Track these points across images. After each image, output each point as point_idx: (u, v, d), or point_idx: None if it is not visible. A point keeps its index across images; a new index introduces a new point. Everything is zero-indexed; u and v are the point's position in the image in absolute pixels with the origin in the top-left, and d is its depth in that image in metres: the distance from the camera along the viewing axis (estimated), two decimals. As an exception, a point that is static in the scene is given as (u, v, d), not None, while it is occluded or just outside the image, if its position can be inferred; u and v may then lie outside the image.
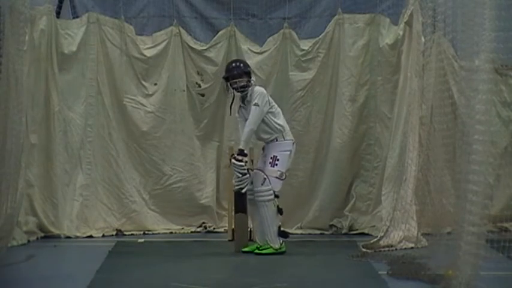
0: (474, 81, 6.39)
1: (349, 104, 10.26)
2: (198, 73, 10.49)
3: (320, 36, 10.36)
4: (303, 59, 10.39)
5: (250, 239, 9.65)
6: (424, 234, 8.71)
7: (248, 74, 8.83)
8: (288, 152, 8.75)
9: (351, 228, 10.24)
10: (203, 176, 10.53)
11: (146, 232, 10.32)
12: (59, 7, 10.48)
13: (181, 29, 10.47)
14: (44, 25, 9.94)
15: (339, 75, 10.29)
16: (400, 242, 8.94)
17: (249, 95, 8.75)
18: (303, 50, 10.36)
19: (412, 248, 8.86)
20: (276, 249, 8.68)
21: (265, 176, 8.63)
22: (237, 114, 8.93)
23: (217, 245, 9.59)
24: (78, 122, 10.22)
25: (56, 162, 10.02)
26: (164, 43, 10.44)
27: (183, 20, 10.57)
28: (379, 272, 7.72)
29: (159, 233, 10.34)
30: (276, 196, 8.71)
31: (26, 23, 9.34)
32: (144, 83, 10.44)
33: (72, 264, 8.70)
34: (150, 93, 10.44)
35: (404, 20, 9.50)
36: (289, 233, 9.03)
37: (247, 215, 8.94)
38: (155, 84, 10.46)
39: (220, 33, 10.49)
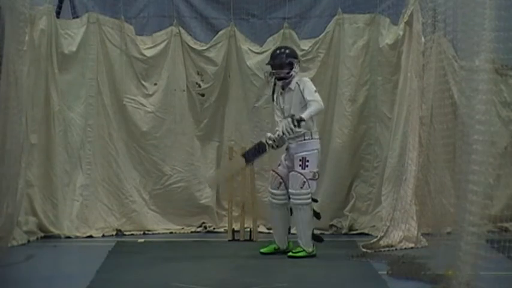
0: (474, 81, 6.39)
1: (349, 104, 10.26)
2: (198, 73, 10.49)
3: (320, 36, 10.36)
4: (303, 59, 10.36)
5: (251, 239, 9.69)
6: (424, 234, 8.71)
7: (290, 64, 8.63)
8: (316, 151, 8.62)
9: (351, 228, 10.24)
10: (203, 176, 10.52)
11: (146, 232, 10.32)
12: (59, 7, 10.47)
13: (181, 29, 10.47)
14: (44, 25, 9.93)
15: (339, 75, 10.29)
16: (400, 242, 8.95)
17: (293, 85, 8.58)
18: (303, 50, 10.35)
19: (412, 248, 8.86)
20: (309, 253, 8.60)
21: (305, 179, 8.48)
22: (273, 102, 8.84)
23: (217, 245, 9.60)
24: (78, 122, 10.22)
25: (56, 162, 10.02)
26: (164, 43, 10.44)
27: (183, 20, 10.56)
28: (379, 272, 7.72)
29: (159, 233, 10.34)
30: (315, 200, 8.67)
31: (26, 23, 9.36)
32: (144, 83, 10.44)
33: (72, 264, 8.70)
34: (150, 93, 10.44)
35: (404, 20, 9.49)
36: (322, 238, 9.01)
37: (246, 166, 8.87)
38: (155, 84, 10.46)
39: (220, 33, 10.49)
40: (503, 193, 10.14)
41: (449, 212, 7.83)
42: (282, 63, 8.64)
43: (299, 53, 10.31)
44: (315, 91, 8.57)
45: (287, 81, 8.63)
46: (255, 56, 10.35)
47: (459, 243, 6.44)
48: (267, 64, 8.84)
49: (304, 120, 8.36)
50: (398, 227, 8.98)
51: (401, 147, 9.16)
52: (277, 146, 8.55)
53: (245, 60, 10.34)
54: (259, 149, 8.66)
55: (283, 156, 8.76)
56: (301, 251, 8.59)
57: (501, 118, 10.28)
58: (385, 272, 7.66)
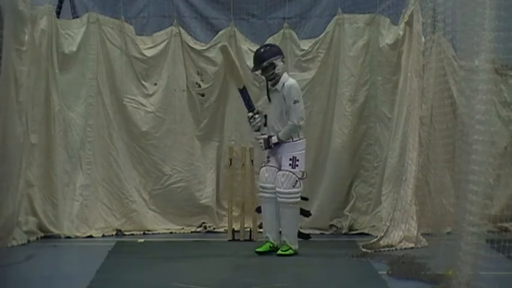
0: (474, 81, 6.39)
1: (349, 104, 10.27)
2: (198, 73, 10.49)
3: (320, 36, 10.37)
4: (303, 59, 10.39)
5: (251, 239, 9.69)
6: (424, 234, 8.71)
7: (272, 64, 8.64)
8: (303, 151, 8.67)
9: (351, 228, 10.24)
10: (203, 176, 10.52)
11: (146, 232, 10.32)
12: (59, 7, 10.47)
13: (181, 29, 10.47)
14: (44, 25, 9.92)
15: (339, 75, 10.29)
16: (400, 242, 8.95)
17: (280, 84, 8.63)
18: (303, 50, 10.37)
19: (412, 248, 8.87)
20: (295, 250, 8.65)
21: (297, 178, 8.51)
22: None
23: (217, 245, 9.60)
24: (78, 122, 10.21)
25: (56, 162, 10.01)
26: (164, 43, 10.44)
27: (183, 20, 10.57)
28: (379, 272, 7.72)
29: (159, 233, 10.34)
30: (305, 199, 8.73)
31: (26, 22, 9.36)
32: (144, 83, 10.44)
33: (72, 264, 8.70)
34: (150, 93, 10.44)
35: (405, 20, 9.50)
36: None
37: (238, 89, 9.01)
38: (155, 84, 10.47)
39: (220, 33, 10.49)
40: (503, 193, 10.14)
41: (449, 212, 7.82)
42: (263, 67, 8.70)
43: (299, 53, 10.36)
44: (295, 101, 8.59)
45: (274, 80, 8.67)
46: (255, 56, 10.34)
47: (459, 243, 6.44)
48: (252, 71, 8.98)
49: (280, 142, 8.55)
50: (398, 227, 8.98)
51: (401, 147, 9.16)
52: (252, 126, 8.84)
53: (245, 60, 10.33)
54: (249, 105, 8.87)
55: (267, 151, 8.77)
56: (289, 249, 8.63)
57: (501, 118, 10.27)
58: (385, 272, 7.66)
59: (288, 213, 8.58)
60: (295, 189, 8.53)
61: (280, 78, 8.67)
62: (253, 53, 10.26)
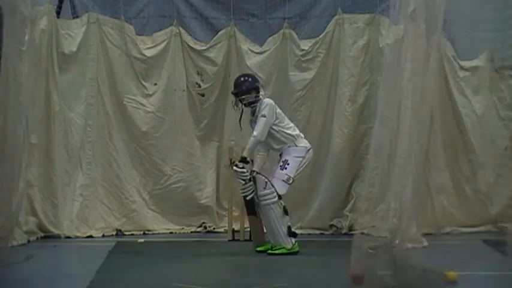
0: (474, 81, 6.42)
1: (349, 104, 10.27)
2: (198, 73, 10.50)
3: (320, 36, 10.37)
4: (303, 59, 10.39)
5: (251, 239, 9.69)
6: (424, 234, 8.72)
7: (256, 89, 8.86)
8: (300, 158, 8.75)
9: (351, 228, 10.24)
10: (203, 176, 10.53)
11: (146, 232, 10.33)
12: (59, 7, 10.48)
13: (181, 29, 10.48)
14: (44, 25, 9.93)
15: (339, 75, 10.30)
16: (400, 242, 8.94)
17: (257, 109, 8.78)
18: (303, 50, 10.37)
19: (412, 248, 8.86)
20: (289, 249, 8.69)
21: (266, 180, 8.64)
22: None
23: (217, 245, 9.60)
24: (78, 122, 10.22)
25: (56, 162, 10.01)
26: (164, 43, 10.45)
27: (183, 20, 10.58)
28: (379, 272, 7.72)
29: (159, 233, 10.35)
30: (279, 197, 8.74)
31: (26, 22, 9.35)
32: (144, 83, 10.45)
33: (72, 264, 8.70)
34: (150, 93, 10.45)
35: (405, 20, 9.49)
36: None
37: (258, 217, 8.94)
38: (155, 84, 10.47)
39: (220, 33, 10.50)
40: (503, 193, 10.14)
41: (450, 212, 7.85)
42: (249, 88, 8.83)
43: (299, 53, 10.37)
44: (263, 115, 8.69)
45: (255, 106, 8.79)
46: (255, 56, 10.36)
47: (459, 243, 6.45)
48: (232, 93, 9.01)
49: (245, 160, 8.66)
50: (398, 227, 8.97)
51: (401, 147, 9.15)
52: (247, 191, 8.75)
53: (245, 60, 10.35)
54: (247, 201, 8.88)
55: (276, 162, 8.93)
56: (281, 248, 8.68)
57: (501, 118, 10.27)
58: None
59: (267, 214, 8.70)
60: (266, 191, 8.64)
61: (261, 102, 8.78)
62: (253, 53, 10.36)
